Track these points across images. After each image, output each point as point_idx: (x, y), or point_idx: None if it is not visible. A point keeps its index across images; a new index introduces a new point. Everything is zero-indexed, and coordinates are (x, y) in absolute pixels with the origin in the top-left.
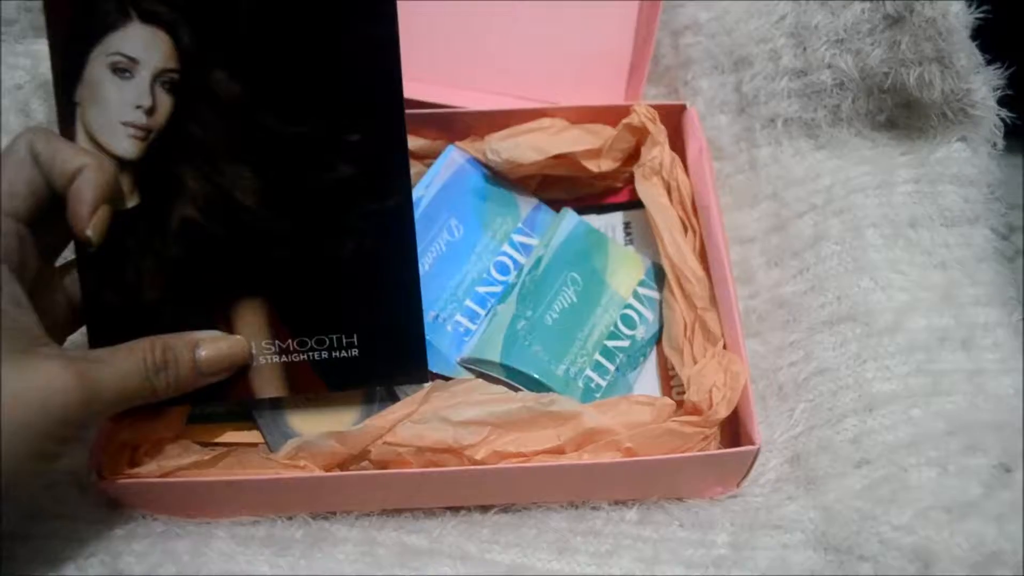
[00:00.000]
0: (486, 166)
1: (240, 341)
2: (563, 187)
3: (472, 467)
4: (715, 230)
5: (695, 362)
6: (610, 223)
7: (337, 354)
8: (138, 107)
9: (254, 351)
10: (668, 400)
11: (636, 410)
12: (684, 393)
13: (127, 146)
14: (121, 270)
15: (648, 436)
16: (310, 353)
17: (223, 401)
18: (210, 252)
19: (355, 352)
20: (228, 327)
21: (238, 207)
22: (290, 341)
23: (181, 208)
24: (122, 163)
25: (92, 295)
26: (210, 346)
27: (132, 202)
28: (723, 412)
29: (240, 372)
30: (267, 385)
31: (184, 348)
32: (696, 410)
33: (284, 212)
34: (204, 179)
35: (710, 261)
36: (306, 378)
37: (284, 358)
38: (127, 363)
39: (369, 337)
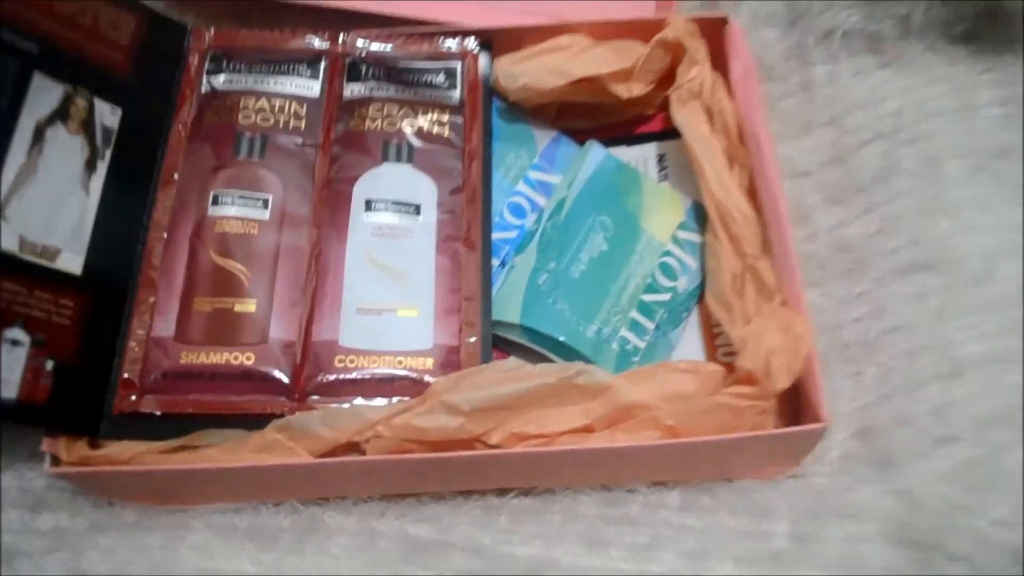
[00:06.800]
0: (496, 94)
1: None
2: (585, 115)
3: (485, 452)
4: (767, 163)
5: (747, 320)
6: (641, 156)
7: None
8: None
9: None
10: (715, 366)
11: (677, 379)
12: (733, 355)
13: None
14: None
15: (693, 412)
16: None
17: None
18: None
19: None
20: None
21: None
22: None
23: None
24: None
25: None
26: None
27: None
28: (783, 382)
29: None
30: None
31: None
32: (750, 379)
33: None
34: None
35: (761, 199)
36: None
37: None
38: None
39: None
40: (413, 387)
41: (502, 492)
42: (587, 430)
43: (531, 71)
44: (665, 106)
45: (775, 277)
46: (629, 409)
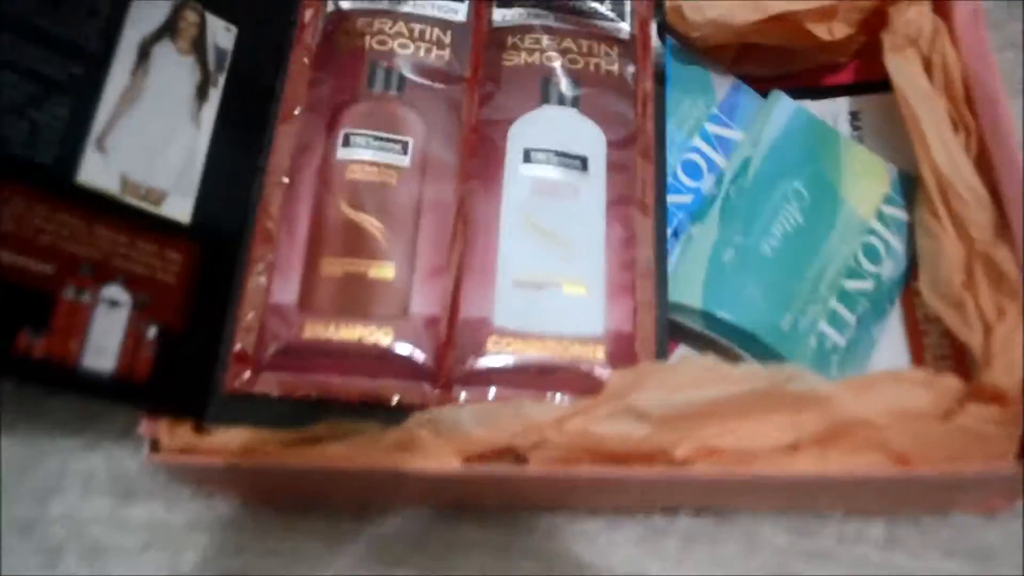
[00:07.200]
0: (670, 31)
1: None
2: (767, 61)
3: (676, 471)
4: (1003, 128)
5: (985, 322)
6: (831, 111)
7: None
8: None
9: None
10: (952, 380)
11: (906, 393)
12: (947, 359)
13: None
14: None
15: (928, 435)
16: None
17: None
18: None
19: None
20: None
21: None
22: None
23: None
24: None
25: None
26: None
27: None
28: None
29: None
30: None
31: None
32: (1001, 398)
33: None
34: None
35: (999, 173)
36: None
37: None
38: None
39: None
40: (578, 381)
41: (668, 511)
42: (793, 448)
43: (719, 4)
44: (859, 53)
45: (1017, 269)
46: (847, 426)
